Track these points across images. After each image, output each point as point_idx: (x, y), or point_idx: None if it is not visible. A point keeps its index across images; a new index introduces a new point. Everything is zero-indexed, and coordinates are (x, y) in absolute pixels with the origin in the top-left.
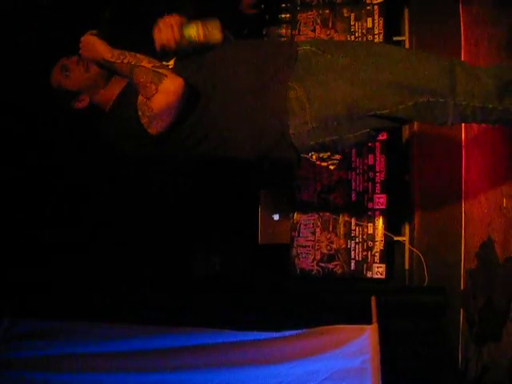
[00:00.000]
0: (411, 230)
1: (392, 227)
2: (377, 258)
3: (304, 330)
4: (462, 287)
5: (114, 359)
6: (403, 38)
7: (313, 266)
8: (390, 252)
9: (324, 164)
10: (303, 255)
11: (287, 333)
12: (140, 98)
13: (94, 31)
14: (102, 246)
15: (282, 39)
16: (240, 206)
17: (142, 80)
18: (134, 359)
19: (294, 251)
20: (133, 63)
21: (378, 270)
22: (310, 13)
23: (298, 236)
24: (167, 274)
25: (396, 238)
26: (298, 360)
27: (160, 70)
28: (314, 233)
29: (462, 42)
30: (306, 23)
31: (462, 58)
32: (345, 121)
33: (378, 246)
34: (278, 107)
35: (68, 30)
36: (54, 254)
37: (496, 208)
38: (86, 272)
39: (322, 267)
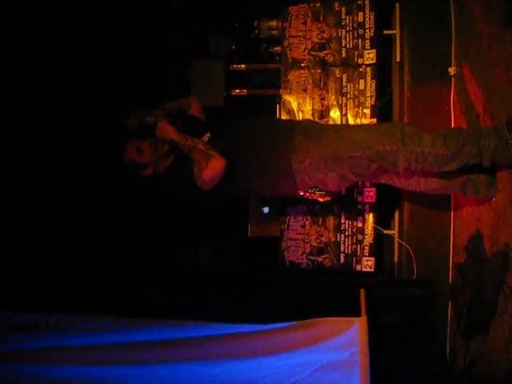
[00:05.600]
0: (400, 224)
1: (381, 221)
2: (366, 252)
3: (293, 323)
4: (450, 281)
5: (103, 352)
6: (394, 31)
7: (302, 259)
8: (380, 245)
9: (312, 195)
10: (293, 248)
11: (276, 325)
12: (195, 169)
13: (167, 120)
14: (93, 238)
15: (273, 31)
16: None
17: (197, 157)
18: (123, 352)
19: (283, 244)
20: (191, 145)
21: (367, 264)
22: (301, 6)
23: (288, 229)
24: (157, 266)
25: (385, 232)
26: (287, 352)
27: (209, 152)
28: (303, 226)
29: (453, 36)
30: (297, 16)
31: (453, 52)
32: (330, 159)
33: (368, 239)
34: (285, 150)
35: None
36: (43, 246)
37: (485, 202)
38: (77, 265)
39: (311, 260)
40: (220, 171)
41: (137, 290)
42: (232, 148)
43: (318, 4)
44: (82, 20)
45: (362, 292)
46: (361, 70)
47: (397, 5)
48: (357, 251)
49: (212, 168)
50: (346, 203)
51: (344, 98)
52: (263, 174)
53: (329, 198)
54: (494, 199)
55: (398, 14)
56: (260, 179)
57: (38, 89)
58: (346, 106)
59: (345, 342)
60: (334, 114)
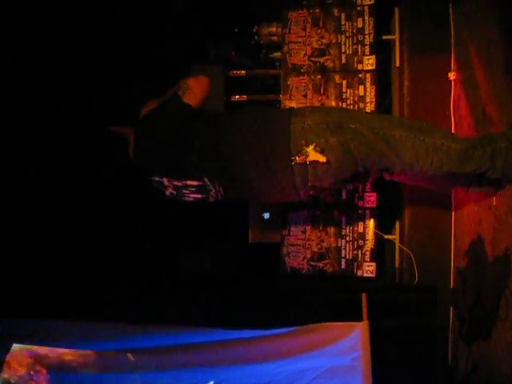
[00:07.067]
0: (401, 229)
1: (382, 226)
2: (367, 257)
3: (294, 328)
4: (451, 285)
5: (102, 358)
6: (394, 37)
7: (303, 264)
8: (381, 250)
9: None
10: (294, 254)
11: (277, 331)
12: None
13: None
14: (93, 245)
15: (273, 37)
16: (230, 204)
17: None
18: (123, 358)
19: (284, 250)
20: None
21: (369, 269)
22: (300, 12)
23: (289, 234)
24: (157, 272)
25: (386, 237)
26: (288, 358)
27: None
28: (304, 231)
29: (452, 42)
30: (296, 21)
31: (452, 58)
32: (332, 124)
33: (369, 244)
34: (284, 114)
35: None
36: (42, 250)
37: (485, 206)
38: (75, 270)
39: (312, 266)
40: (204, 80)
41: (136, 296)
42: (224, 129)
43: (318, 10)
44: (81, 21)
45: (364, 297)
46: (360, 75)
47: (396, 10)
48: (358, 256)
49: (196, 77)
50: (347, 208)
51: (344, 104)
52: (257, 145)
53: (332, 199)
54: (494, 203)
55: (397, 18)
56: (253, 153)
57: (37, 89)
58: None
59: (346, 347)
60: None
